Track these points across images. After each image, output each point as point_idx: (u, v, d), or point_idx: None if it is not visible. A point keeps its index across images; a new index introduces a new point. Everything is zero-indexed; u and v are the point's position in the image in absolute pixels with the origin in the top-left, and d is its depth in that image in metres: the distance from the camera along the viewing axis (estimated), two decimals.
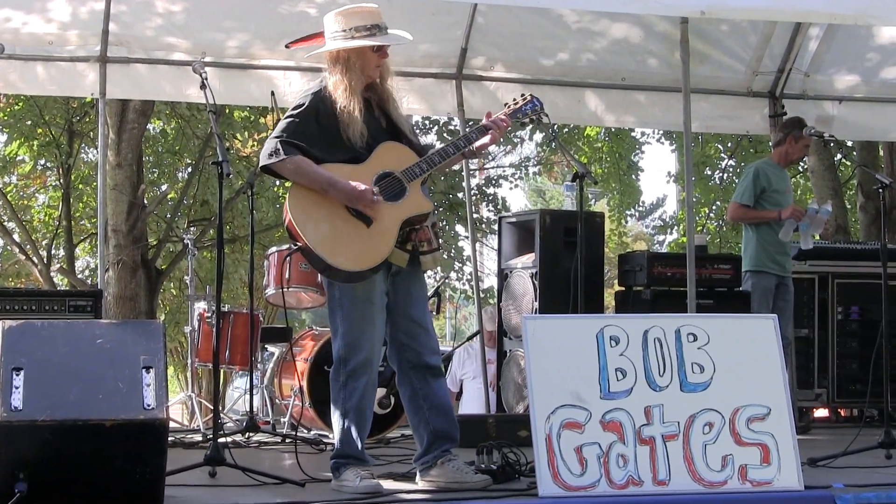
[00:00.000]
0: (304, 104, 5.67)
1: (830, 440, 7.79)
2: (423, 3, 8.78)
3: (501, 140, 20.27)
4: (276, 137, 5.59)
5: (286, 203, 5.62)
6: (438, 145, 6.01)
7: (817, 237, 9.33)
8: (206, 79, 6.35)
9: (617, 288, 9.26)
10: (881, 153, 15.34)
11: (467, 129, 6.15)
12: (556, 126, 6.72)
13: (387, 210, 5.62)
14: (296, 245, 5.64)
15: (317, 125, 5.63)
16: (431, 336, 5.83)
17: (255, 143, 18.53)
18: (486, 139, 5.96)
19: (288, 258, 7.87)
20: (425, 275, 6.00)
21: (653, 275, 8.68)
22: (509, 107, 6.19)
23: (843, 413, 9.66)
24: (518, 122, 6.26)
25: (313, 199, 5.59)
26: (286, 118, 5.68)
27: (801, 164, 18.75)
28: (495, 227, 17.91)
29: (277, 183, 18.83)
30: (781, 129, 8.89)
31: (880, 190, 7.22)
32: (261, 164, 5.62)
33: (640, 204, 25.05)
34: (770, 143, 9.78)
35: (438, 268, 17.28)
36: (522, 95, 6.26)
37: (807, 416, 9.25)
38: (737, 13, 7.79)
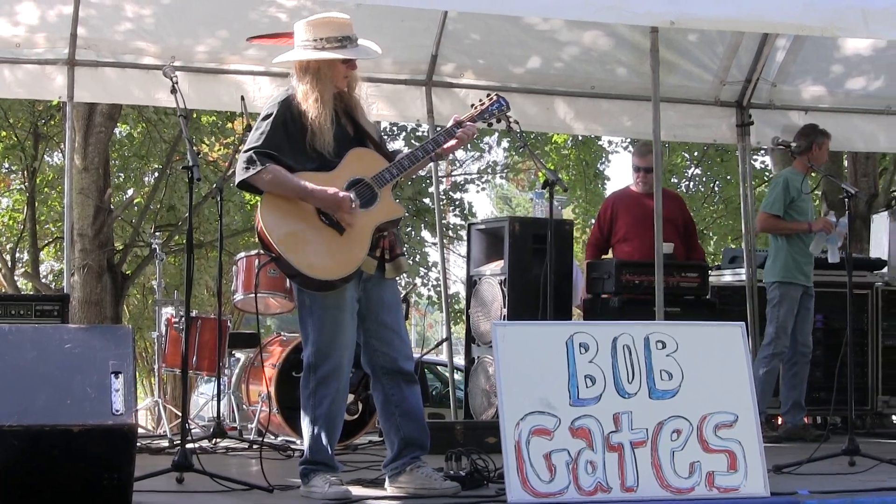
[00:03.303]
0: (272, 114, 5.66)
1: (795, 447, 7.85)
2: (394, 10, 8.77)
3: (469, 145, 20.39)
4: (250, 150, 5.58)
5: (258, 211, 5.62)
6: (407, 150, 6.03)
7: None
8: (177, 83, 6.34)
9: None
10: (845, 163, 15.46)
11: (435, 133, 6.15)
12: (522, 133, 6.72)
13: (359, 217, 5.62)
14: (268, 253, 5.63)
15: (286, 134, 5.63)
16: (405, 341, 5.84)
17: (223, 148, 18.49)
18: (453, 142, 5.97)
19: (258, 264, 7.86)
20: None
21: (621, 282, 8.71)
22: (476, 108, 6.18)
23: (807, 420, 9.70)
24: (486, 123, 6.23)
25: (285, 207, 5.59)
26: (256, 129, 5.67)
27: (766, 173, 18.91)
28: (462, 233, 17.96)
29: None
30: (802, 137, 8.87)
31: (845, 199, 7.27)
32: (239, 180, 5.59)
33: None
34: (737, 153, 9.83)
35: (404, 274, 17.37)
36: (489, 95, 6.25)
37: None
38: (705, 23, 7.82)
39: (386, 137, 18.85)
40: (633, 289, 8.72)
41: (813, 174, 9.86)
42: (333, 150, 5.67)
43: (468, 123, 6.02)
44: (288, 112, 5.65)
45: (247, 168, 5.55)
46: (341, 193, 5.56)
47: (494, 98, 6.23)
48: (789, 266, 8.88)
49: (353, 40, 5.75)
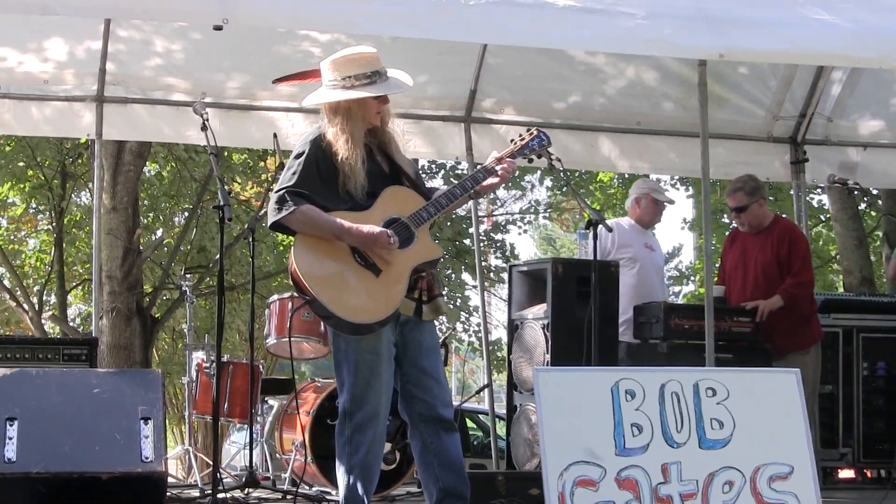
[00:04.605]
0: (303, 152, 5.68)
1: (856, 501, 7.79)
2: (431, 43, 8.82)
3: (510, 184, 20.39)
4: (282, 189, 5.60)
5: (291, 252, 5.64)
6: (445, 188, 6.05)
7: (841, 289, 9.32)
8: (207, 120, 6.40)
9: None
10: None
11: (475, 170, 6.18)
12: (565, 170, 6.73)
13: (396, 257, 5.63)
14: (301, 296, 5.65)
15: (318, 174, 5.65)
16: (444, 388, 5.84)
17: (255, 187, 18.59)
18: (493, 179, 5.98)
19: (292, 307, 7.90)
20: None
21: (669, 327, 8.66)
22: (515, 143, 6.20)
23: (868, 474, 9.62)
24: (526, 159, 6.26)
25: (319, 247, 5.61)
26: (288, 169, 5.69)
27: (824, 213, 18.83)
28: (504, 275, 17.96)
29: None
30: None
31: None
32: (271, 221, 5.62)
33: None
34: (792, 191, 9.79)
35: (443, 317, 17.29)
36: (528, 130, 6.28)
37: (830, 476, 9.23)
38: (756, 56, 7.82)
39: (424, 175, 18.96)
40: (682, 334, 8.67)
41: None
42: (367, 190, 5.69)
43: (508, 160, 6.03)
44: (319, 152, 5.67)
45: (279, 209, 5.58)
46: (378, 229, 5.59)
47: (535, 133, 6.25)
48: None
49: (383, 74, 5.77)
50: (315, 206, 5.59)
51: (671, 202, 9.61)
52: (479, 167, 6.16)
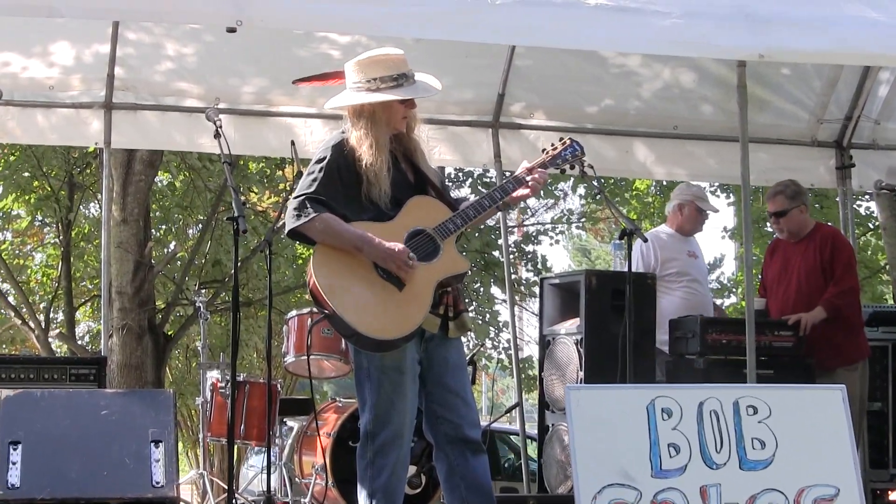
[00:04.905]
0: (325, 158, 5.68)
1: None
2: (456, 45, 8.82)
3: (542, 193, 20.38)
4: (301, 196, 5.61)
5: (310, 265, 5.64)
6: (472, 198, 6.05)
7: (890, 301, 9.28)
8: (221, 127, 6.43)
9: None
10: None
11: (504, 180, 6.18)
12: (600, 178, 6.73)
13: (420, 271, 5.63)
14: (321, 311, 5.66)
15: (340, 181, 5.65)
16: (471, 407, 5.83)
17: (273, 197, 18.64)
18: (524, 190, 5.98)
19: (311, 322, 7.92)
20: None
21: (706, 342, 8.61)
22: (547, 153, 6.18)
23: None
24: (558, 170, 6.24)
25: (340, 260, 5.62)
26: (308, 175, 5.69)
27: (872, 221, 18.76)
28: (535, 288, 17.95)
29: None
30: None
31: None
32: (288, 228, 5.63)
33: None
34: (837, 198, 9.76)
35: (471, 334, 17.28)
36: (561, 140, 6.27)
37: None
38: (799, 56, 7.79)
39: (451, 184, 18.99)
40: (720, 349, 8.63)
41: None
42: (391, 199, 5.70)
43: (539, 170, 6.02)
44: (341, 158, 5.67)
45: (297, 216, 5.58)
46: (397, 247, 5.58)
47: (568, 142, 6.23)
48: None
49: (410, 77, 5.78)
50: (336, 214, 5.60)
51: (715, 210, 9.60)
52: (508, 177, 6.15)
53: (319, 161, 5.70)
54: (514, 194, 5.98)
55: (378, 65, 5.74)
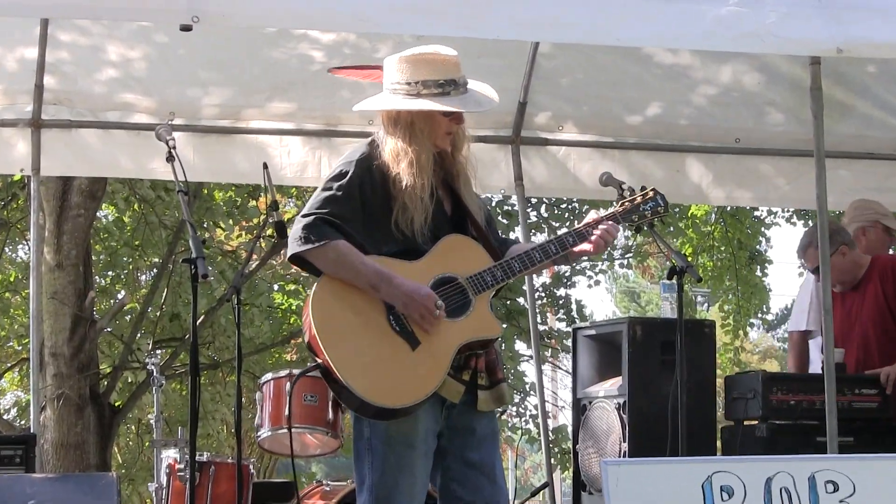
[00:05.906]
0: (346, 172, 5.66)
1: None
2: (467, 43, 8.79)
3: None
4: (312, 215, 5.57)
5: (308, 302, 5.63)
6: (522, 246, 6.01)
7: None
8: (175, 148, 6.43)
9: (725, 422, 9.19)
10: None
11: (563, 231, 6.12)
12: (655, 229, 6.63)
13: (443, 328, 5.61)
14: (313, 357, 5.64)
15: (362, 203, 5.63)
16: (499, 488, 5.79)
17: (243, 234, 18.67)
18: (586, 245, 5.92)
19: (289, 386, 7.94)
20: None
21: (770, 403, 8.55)
22: (623, 205, 6.13)
23: None
24: (632, 227, 6.19)
25: (347, 298, 5.60)
26: (322, 190, 5.68)
27: None
28: (568, 342, 17.94)
29: (276, 287, 18.84)
30: None
31: None
32: (291, 252, 5.63)
33: (767, 309, 24.85)
34: None
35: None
36: (643, 190, 6.20)
37: None
38: (886, 50, 7.78)
39: None
40: (787, 412, 8.59)
41: None
42: (427, 234, 5.69)
43: (609, 223, 5.98)
44: (367, 174, 5.66)
45: (305, 239, 5.56)
46: (423, 290, 5.57)
47: (651, 194, 6.17)
48: None
49: (461, 85, 5.79)
50: (352, 243, 5.58)
51: None
52: (568, 230, 6.11)
53: (339, 177, 5.67)
54: (576, 249, 5.93)
55: (423, 65, 5.75)
